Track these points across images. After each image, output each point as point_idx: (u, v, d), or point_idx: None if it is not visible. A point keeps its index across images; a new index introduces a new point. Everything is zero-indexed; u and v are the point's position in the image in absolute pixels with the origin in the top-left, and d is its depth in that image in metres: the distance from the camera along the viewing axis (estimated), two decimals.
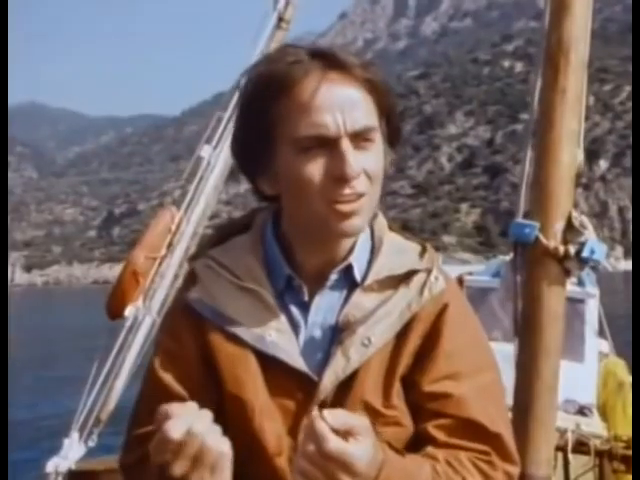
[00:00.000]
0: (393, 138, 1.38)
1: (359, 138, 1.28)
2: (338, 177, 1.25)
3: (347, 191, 1.26)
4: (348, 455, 1.08)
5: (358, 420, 1.12)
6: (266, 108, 1.30)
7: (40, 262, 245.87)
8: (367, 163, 1.28)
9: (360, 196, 1.28)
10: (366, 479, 1.12)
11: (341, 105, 1.26)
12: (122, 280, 4.16)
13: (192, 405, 1.16)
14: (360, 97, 1.29)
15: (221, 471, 1.14)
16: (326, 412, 1.10)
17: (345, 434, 1.09)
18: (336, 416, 1.10)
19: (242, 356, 1.35)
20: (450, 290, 1.43)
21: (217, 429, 1.15)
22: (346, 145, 1.26)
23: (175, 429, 1.10)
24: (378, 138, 1.32)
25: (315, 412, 1.10)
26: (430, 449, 1.32)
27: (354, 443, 1.09)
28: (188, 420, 1.11)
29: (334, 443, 1.07)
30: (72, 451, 4.04)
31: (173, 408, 1.13)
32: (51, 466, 3.96)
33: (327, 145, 1.26)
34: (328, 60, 1.29)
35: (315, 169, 1.26)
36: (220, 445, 1.14)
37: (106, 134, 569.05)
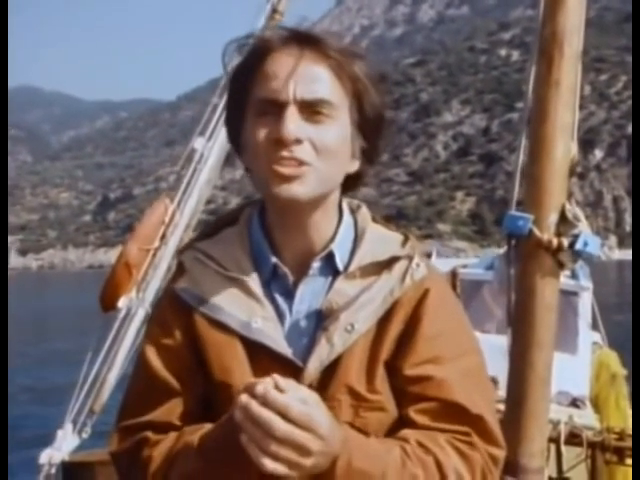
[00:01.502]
0: (365, 126, 1.40)
1: (311, 110, 1.32)
2: (276, 139, 1.30)
3: (285, 154, 1.29)
4: (312, 417, 1.11)
5: (307, 391, 1.15)
6: (243, 80, 1.37)
7: (35, 246, 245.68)
8: (317, 135, 1.32)
9: (301, 164, 1.30)
10: (328, 452, 1.14)
11: (298, 75, 1.32)
12: (115, 272, 4.16)
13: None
14: (325, 74, 1.34)
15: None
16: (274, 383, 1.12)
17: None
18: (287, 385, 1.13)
19: (229, 343, 1.37)
20: (432, 276, 1.44)
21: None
22: (291, 111, 1.30)
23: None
24: (339, 117, 1.35)
25: (262, 386, 1.11)
26: (404, 431, 1.33)
27: (313, 407, 1.12)
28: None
29: (297, 408, 1.10)
30: (66, 442, 4.04)
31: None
32: (44, 457, 3.97)
33: (278, 111, 1.31)
34: (304, 39, 1.35)
35: (262, 132, 1.32)
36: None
37: (101, 118, 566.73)
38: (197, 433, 1.31)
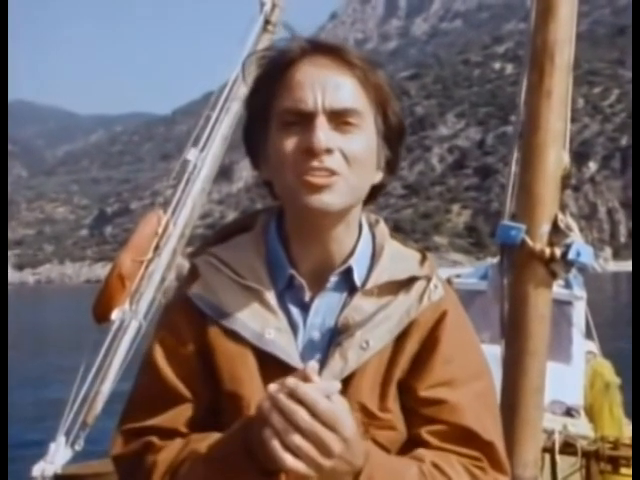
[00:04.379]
0: (390, 135, 1.39)
1: (339, 119, 1.31)
2: (306, 149, 1.28)
3: (315, 164, 1.28)
4: (338, 417, 1.10)
5: (336, 393, 1.14)
6: (263, 90, 1.36)
7: (32, 261, 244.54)
8: (346, 145, 1.31)
9: (332, 173, 1.29)
10: (349, 459, 1.14)
11: (324, 84, 1.31)
12: (108, 284, 4.15)
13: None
14: (349, 83, 1.33)
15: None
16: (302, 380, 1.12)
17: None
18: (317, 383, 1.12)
19: (241, 353, 1.35)
20: (448, 298, 1.44)
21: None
22: (320, 121, 1.29)
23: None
24: (366, 126, 1.34)
25: (292, 379, 1.11)
26: (418, 451, 1.32)
27: (339, 405, 1.12)
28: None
29: (325, 405, 1.09)
30: (58, 455, 4.01)
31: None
32: (37, 470, 3.93)
33: (305, 121, 1.30)
34: (326, 48, 1.34)
35: (290, 142, 1.30)
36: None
37: (95, 132, 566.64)
38: (205, 441, 1.29)
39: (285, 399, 1.09)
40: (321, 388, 1.11)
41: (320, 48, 1.35)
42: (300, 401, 1.09)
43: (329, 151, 1.29)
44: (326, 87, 1.30)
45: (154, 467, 1.33)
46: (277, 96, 1.34)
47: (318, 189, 1.29)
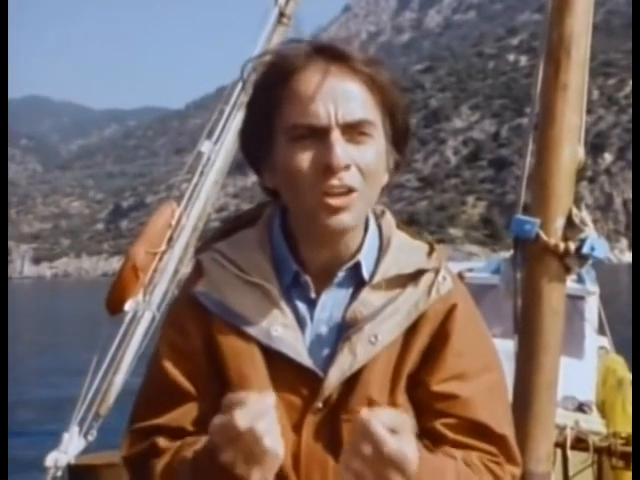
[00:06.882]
0: (398, 138, 1.38)
1: (353, 131, 1.28)
2: (325, 167, 1.26)
3: (335, 182, 1.26)
4: (405, 457, 1.08)
5: (402, 417, 1.12)
6: (267, 97, 1.32)
7: (49, 254, 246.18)
8: (361, 158, 1.29)
9: (350, 190, 1.28)
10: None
11: (335, 96, 1.27)
12: (122, 275, 4.16)
13: (260, 399, 1.13)
14: (359, 91, 1.30)
15: (270, 470, 1.13)
16: (379, 412, 1.09)
17: (391, 431, 1.08)
18: (387, 416, 1.09)
19: (247, 350, 1.35)
20: (458, 290, 1.43)
21: (277, 430, 1.13)
22: (336, 136, 1.26)
23: (241, 420, 1.09)
24: (377, 134, 1.32)
25: (366, 412, 1.08)
26: (447, 448, 1.32)
27: (407, 443, 1.09)
28: (254, 415, 1.10)
29: (393, 445, 1.06)
30: (71, 445, 4.03)
31: (245, 397, 1.12)
32: (50, 460, 3.96)
33: (318, 135, 1.27)
34: (330, 53, 1.31)
35: (304, 159, 1.27)
36: (276, 448, 1.12)
37: (109, 127, 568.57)
38: (192, 447, 1.28)
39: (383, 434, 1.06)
40: (387, 422, 1.08)
41: (324, 53, 1.31)
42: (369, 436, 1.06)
43: (347, 167, 1.27)
44: (337, 99, 1.27)
45: (153, 473, 1.33)
46: (283, 106, 1.30)
47: (336, 210, 1.28)
